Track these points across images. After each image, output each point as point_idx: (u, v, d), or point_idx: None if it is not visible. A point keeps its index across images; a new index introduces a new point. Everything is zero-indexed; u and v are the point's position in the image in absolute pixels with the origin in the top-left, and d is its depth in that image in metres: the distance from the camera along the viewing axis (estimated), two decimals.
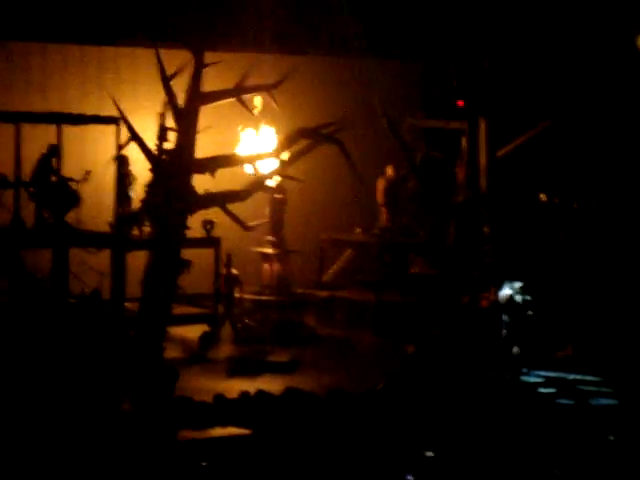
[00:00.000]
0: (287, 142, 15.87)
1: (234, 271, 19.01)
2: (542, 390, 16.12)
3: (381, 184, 20.84)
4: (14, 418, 13.27)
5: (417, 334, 17.42)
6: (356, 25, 22.28)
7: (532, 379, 16.62)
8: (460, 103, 19.76)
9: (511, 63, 19.97)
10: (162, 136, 17.46)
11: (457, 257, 18.59)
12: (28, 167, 17.31)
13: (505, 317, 17.14)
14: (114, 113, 16.40)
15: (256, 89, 15.81)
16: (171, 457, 13.02)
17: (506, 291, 17.27)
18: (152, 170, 16.55)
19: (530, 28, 20.17)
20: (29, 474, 12.31)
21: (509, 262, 18.20)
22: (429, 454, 13.67)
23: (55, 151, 17.36)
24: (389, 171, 20.77)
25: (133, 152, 16.87)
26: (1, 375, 14.66)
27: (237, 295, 19.48)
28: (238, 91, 15.60)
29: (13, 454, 12.55)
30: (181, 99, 15.50)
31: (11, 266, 16.86)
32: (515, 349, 17.02)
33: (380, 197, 20.83)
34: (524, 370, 16.88)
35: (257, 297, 19.52)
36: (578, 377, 16.66)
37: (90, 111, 18.66)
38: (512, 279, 17.36)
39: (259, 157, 16.59)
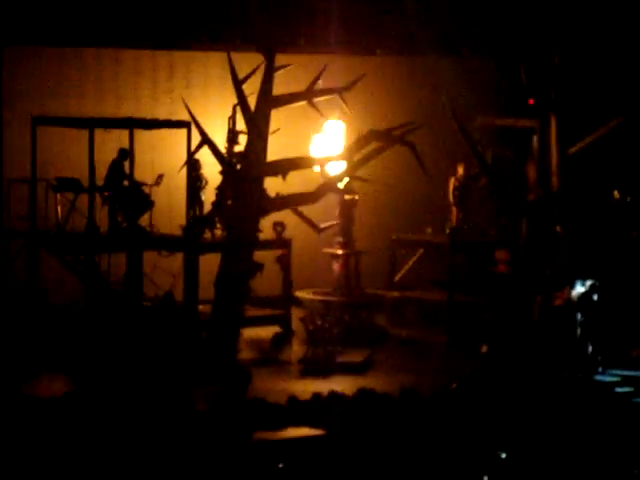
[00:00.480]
0: (358, 144, 15.90)
1: None
2: (618, 389, 15.95)
3: (452, 183, 20.76)
4: (95, 419, 13.47)
5: (490, 334, 17.33)
6: (425, 24, 22.20)
7: (608, 378, 16.44)
8: (531, 101, 19.60)
9: (582, 59, 19.77)
10: (233, 139, 17.66)
11: (529, 256, 18.44)
12: (102, 172, 17.53)
13: (579, 316, 16.97)
14: (185, 117, 16.58)
15: (327, 92, 15.85)
16: (246, 458, 13.11)
17: (580, 290, 17.11)
18: (223, 173, 16.72)
19: (601, 24, 19.95)
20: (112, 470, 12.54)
21: (582, 260, 18.01)
22: (503, 455, 13.60)
23: (126, 155, 17.56)
24: (460, 170, 20.67)
25: (205, 156, 17.04)
26: (80, 377, 14.89)
27: (307, 296, 19.57)
28: (309, 94, 15.66)
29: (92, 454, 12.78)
30: (252, 102, 15.61)
31: (86, 270, 17.08)
32: (589, 348, 16.85)
33: (451, 196, 20.76)
34: (599, 369, 16.71)
35: (328, 298, 19.55)
36: None
37: (162, 116, 18.87)
38: (585, 277, 17.19)
39: (330, 159, 16.64)
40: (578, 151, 19.28)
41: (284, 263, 18.78)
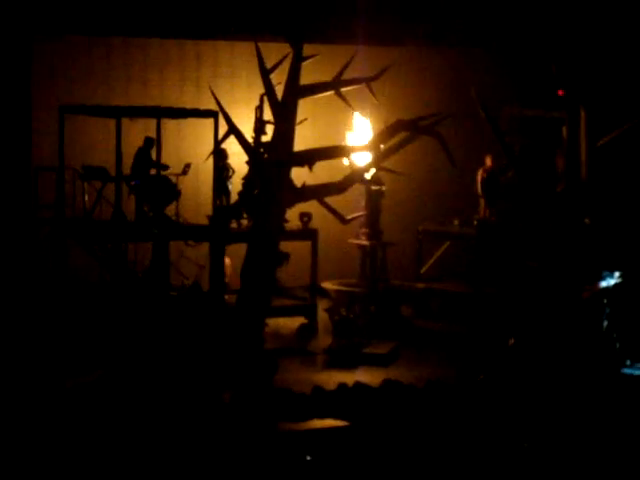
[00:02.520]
0: (386, 134, 15.81)
1: None
2: None
3: (479, 175, 20.66)
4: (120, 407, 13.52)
5: (517, 326, 17.25)
6: (454, 15, 22.10)
7: (636, 372, 16.33)
8: (560, 92, 19.47)
9: (612, 51, 19.63)
10: (260, 129, 17.62)
11: (558, 248, 18.32)
12: (128, 161, 17.54)
13: (607, 308, 16.85)
14: (212, 107, 16.55)
15: (354, 82, 15.76)
16: (272, 448, 13.10)
17: (608, 282, 17.00)
18: (250, 163, 16.68)
19: (632, 16, 19.80)
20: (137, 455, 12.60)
21: (611, 253, 17.89)
22: (526, 446, 13.55)
23: (152, 143, 17.55)
24: (488, 162, 20.57)
25: (232, 145, 17.01)
26: (109, 365, 14.95)
27: (333, 287, 19.54)
28: (336, 84, 15.59)
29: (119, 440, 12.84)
30: (279, 92, 15.56)
31: (113, 259, 17.10)
32: (617, 341, 16.74)
33: (479, 188, 20.66)
34: (627, 362, 16.59)
35: (354, 289, 19.51)
36: None
37: (189, 105, 18.87)
38: (614, 270, 17.08)
39: (357, 149, 16.57)
40: (607, 143, 19.14)
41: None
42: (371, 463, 13.10)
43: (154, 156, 17.72)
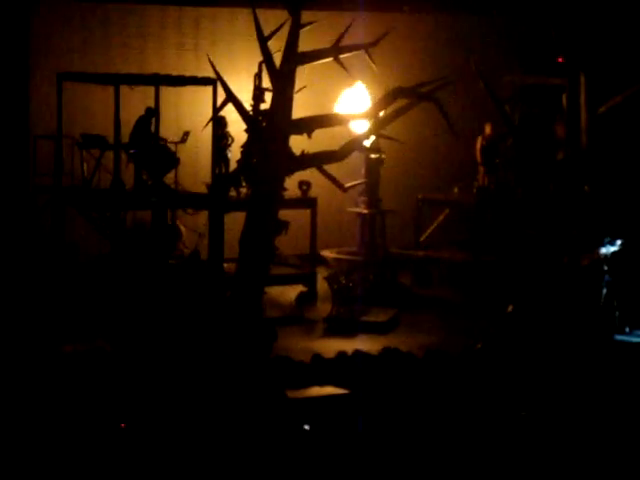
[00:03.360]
0: (384, 101, 15.75)
1: None
2: None
3: (479, 143, 20.61)
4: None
5: (516, 293, 17.25)
6: None
7: (634, 339, 16.35)
8: (560, 59, 19.39)
9: (611, 17, 19.52)
10: (258, 97, 17.54)
11: (557, 215, 18.31)
12: (127, 130, 17.48)
13: (606, 276, 16.86)
14: (211, 74, 16.48)
15: (353, 48, 15.68)
16: (276, 416, 13.13)
17: (607, 249, 16.99)
18: (248, 131, 16.62)
19: None
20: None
21: (610, 220, 17.87)
22: (524, 414, 13.59)
23: (152, 113, 17.50)
24: (487, 129, 20.50)
25: (230, 113, 16.95)
26: (108, 334, 14.99)
27: (332, 255, 19.53)
28: (335, 51, 15.51)
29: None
30: (277, 60, 15.49)
31: (112, 228, 17.09)
32: (616, 308, 16.75)
33: (478, 156, 20.61)
34: (626, 330, 16.62)
35: (353, 257, 19.50)
36: None
37: (187, 73, 18.78)
38: (613, 237, 17.06)
39: (356, 117, 16.51)
40: (607, 110, 19.08)
41: None
42: (370, 431, 13.13)
43: (154, 126, 17.66)
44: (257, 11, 15.53)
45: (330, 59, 15.59)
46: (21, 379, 13.25)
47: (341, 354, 14.97)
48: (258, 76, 17.68)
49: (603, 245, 16.96)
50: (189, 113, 19.52)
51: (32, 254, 17.65)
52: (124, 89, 17.15)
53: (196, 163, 19.25)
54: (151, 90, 17.62)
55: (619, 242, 17.00)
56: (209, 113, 17.32)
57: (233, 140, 18.48)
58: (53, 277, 16.95)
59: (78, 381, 13.26)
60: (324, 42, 15.61)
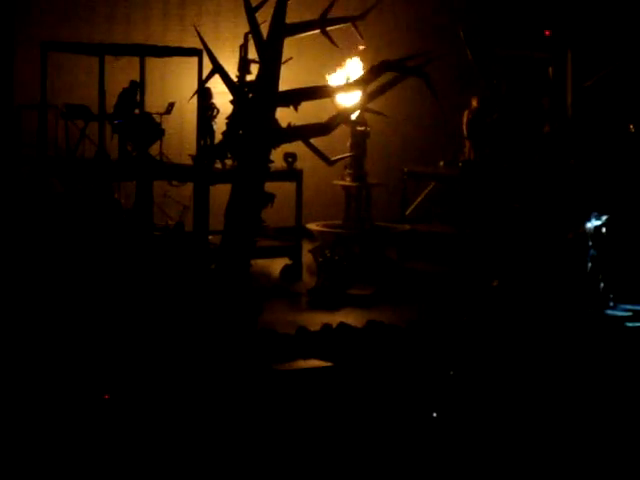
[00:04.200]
0: (371, 75, 15.68)
1: None
2: (629, 324, 15.92)
3: (465, 116, 20.57)
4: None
5: (501, 267, 17.27)
6: None
7: (619, 313, 16.41)
8: (547, 32, 19.36)
9: None
10: (245, 68, 17.44)
11: (543, 189, 18.31)
12: (112, 101, 17.37)
13: (591, 250, 16.89)
14: (197, 45, 16.37)
15: (341, 21, 15.58)
16: (263, 388, 13.14)
17: (592, 223, 17.01)
18: (234, 103, 16.53)
19: None
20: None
21: (596, 194, 17.89)
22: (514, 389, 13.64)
23: (137, 86, 17.38)
24: (474, 103, 20.47)
25: (217, 85, 16.85)
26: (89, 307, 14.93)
27: (317, 228, 19.50)
28: (322, 23, 15.42)
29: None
30: (264, 31, 15.39)
31: (97, 199, 17.01)
32: (601, 282, 16.79)
33: (464, 129, 20.58)
34: (610, 304, 16.67)
35: (338, 230, 19.48)
36: None
37: (173, 43, 18.66)
38: (599, 211, 17.08)
39: (343, 90, 16.43)
40: (593, 84, 19.07)
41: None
42: (354, 404, 13.15)
43: (139, 97, 17.56)
44: None
45: (318, 31, 15.50)
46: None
47: (326, 327, 14.98)
48: (244, 47, 17.58)
49: (589, 219, 16.98)
50: (174, 84, 19.41)
51: (16, 224, 17.53)
52: (109, 60, 17.03)
53: (181, 134, 19.17)
54: (136, 61, 17.50)
55: (604, 217, 17.02)
56: (194, 84, 17.21)
57: (219, 111, 18.38)
58: (37, 247, 16.86)
59: (63, 352, 13.24)
60: (312, 14, 15.52)
